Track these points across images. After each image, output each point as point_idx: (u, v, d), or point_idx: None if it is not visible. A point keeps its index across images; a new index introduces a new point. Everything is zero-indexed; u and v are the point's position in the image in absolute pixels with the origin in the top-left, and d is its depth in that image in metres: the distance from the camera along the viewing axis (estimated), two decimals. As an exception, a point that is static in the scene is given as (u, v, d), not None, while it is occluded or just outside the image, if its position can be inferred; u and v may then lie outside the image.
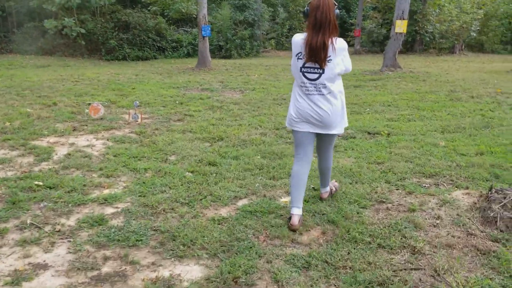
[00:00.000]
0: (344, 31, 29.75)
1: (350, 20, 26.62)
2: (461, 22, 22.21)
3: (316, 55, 2.91)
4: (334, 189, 3.67)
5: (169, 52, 20.69)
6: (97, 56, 19.63)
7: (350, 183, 3.96)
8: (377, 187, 3.82)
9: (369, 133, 5.98)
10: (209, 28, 14.39)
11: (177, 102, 8.43)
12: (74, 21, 17.00)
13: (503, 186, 3.57)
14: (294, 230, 3.05)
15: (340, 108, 3.10)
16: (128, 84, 10.65)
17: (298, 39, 3.04)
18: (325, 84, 3.00)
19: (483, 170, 4.19)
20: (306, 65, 3.00)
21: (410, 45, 23.77)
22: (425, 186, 3.80)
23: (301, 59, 3.02)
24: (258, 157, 4.87)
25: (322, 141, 3.34)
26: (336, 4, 3.00)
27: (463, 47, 23.06)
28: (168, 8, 16.21)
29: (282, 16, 25.13)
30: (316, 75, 2.99)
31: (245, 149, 5.19)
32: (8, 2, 19.48)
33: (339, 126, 3.17)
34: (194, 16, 16.54)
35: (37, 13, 19.59)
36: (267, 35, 24.45)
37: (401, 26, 12.85)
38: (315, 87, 3.02)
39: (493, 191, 3.12)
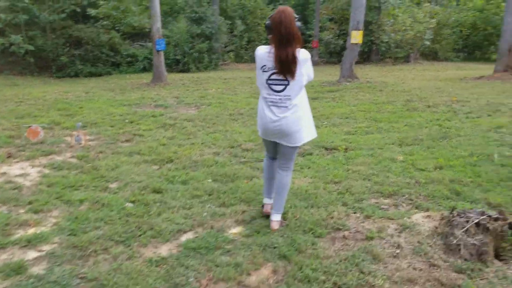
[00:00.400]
0: (302, 43, 29.86)
1: (308, 32, 26.77)
2: (414, 31, 22.68)
3: (287, 69, 3.00)
4: (283, 225, 3.37)
5: (124, 67, 20.08)
6: (48, 74, 18.80)
7: (306, 207, 3.67)
8: (333, 211, 3.54)
9: (326, 148, 5.74)
10: (164, 42, 13.99)
11: (126, 121, 7.98)
12: (21, 37, 16.20)
13: (465, 207, 3.37)
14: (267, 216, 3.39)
15: (303, 120, 3.17)
16: (76, 103, 10.09)
17: (263, 52, 3.10)
18: (289, 96, 3.07)
19: (443, 187, 4.00)
20: (271, 77, 3.07)
21: (367, 55, 24.08)
22: (383, 208, 3.56)
23: (266, 71, 3.09)
24: (209, 180, 4.52)
25: (282, 151, 3.33)
26: (297, 16, 3.08)
27: (417, 56, 23.53)
28: (120, 23, 15.69)
29: (240, 28, 24.97)
30: (282, 87, 3.07)
31: (195, 172, 4.84)
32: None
33: (301, 138, 3.21)
34: (148, 30, 16.07)
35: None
36: (226, 48, 24.20)
37: (356, 37, 12.86)
38: (280, 99, 3.09)
39: (455, 214, 2.90)
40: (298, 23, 3.07)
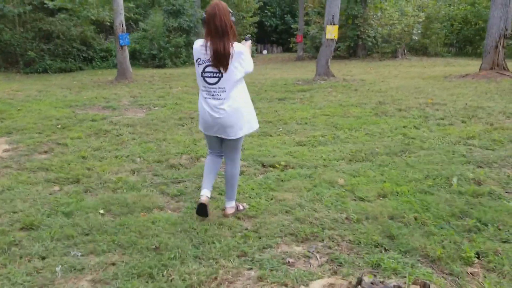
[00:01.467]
0: (289, 36, 29.11)
1: (292, 26, 25.87)
2: (402, 25, 21.80)
3: (221, 61, 3.04)
4: (241, 208, 3.60)
5: (97, 63, 19.18)
6: (15, 69, 17.87)
7: (194, 257, 2.84)
8: (222, 266, 2.70)
9: (263, 165, 4.90)
10: (127, 37, 13.08)
11: (59, 126, 7.13)
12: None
13: (390, 265, 2.54)
14: (204, 206, 3.33)
15: (240, 113, 3.21)
16: (18, 103, 9.22)
17: (198, 45, 3.16)
18: (224, 88, 3.13)
19: (377, 228, 3.16)
20: (206, 69, 3.13)
21: (353, 50, 23.22)
22: (288, 263, 2.72)
23: (200, 64, 3.15)
24: (101, 211, 3.68)
25: (225, 145, 3.44)
26: (231, 11, 3.15)
27: (405, 51, 22.64)
28: (77, 16, 14.76)
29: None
30: (216, 79, 3.12)
31: (91, 198, 4.00)
32: None
33: (240, 130, 3.27)
34: (108, 23, 15.15)
35: None
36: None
37: (332, 32, 12.00)
38: (214, 91, 3.15)
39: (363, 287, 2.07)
40: (232, 18, 3.12)
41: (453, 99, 8.82)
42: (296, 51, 23.67)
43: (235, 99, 3.17)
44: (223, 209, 3.57)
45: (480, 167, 4.63)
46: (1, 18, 17.30)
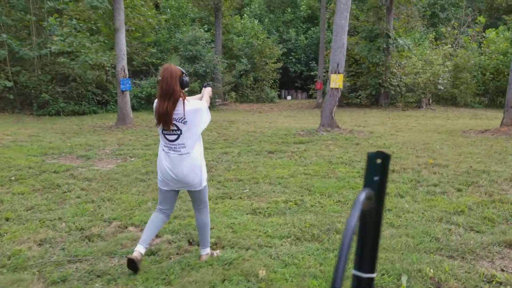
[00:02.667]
0: (313, 83, 28.67)
1: (312, 73, 25.42)
2: (428, 74, 20.88)
3: (163, 120, 3.25)
4: (215, 255, 3.66)
5: (112, 106, 19.10)
6: (29, 111, 18.01)
7: None
8: None
9: (190, 242, 4.13)
10: (129, 82, 12.83)
11: (12, 178, 6.62)
12: (-3, 73, 15.47)
13: None
14: (132, 262, 3.31)
15: (198, 168, 3.41)
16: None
17: (154, 105, 3.37)
18: (183, 144, 3.32)
19: None
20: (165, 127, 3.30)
21: (375, 99, 22.35)
22: None
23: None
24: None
25: (190, 196, 3.60)
26: (184, 72, 3.38)
27: (430, 101, 21.57)
28: (75, 60, 14.77)
29: (239, 67, 23.80)
30: (175, 136, 3.31)
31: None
32: None
33: (200, 183, 3.45)
34: (107, 68, 15.02)
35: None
36: (224, 87, 23.03)
37: (336, 81, 11.30)
38: (175, 147, 3.33)
39: None
40: (186, 78, 3.38)
41: (458, 160, 7.82)
42: (315, 98, 23.03)
43: (194, 155, 3.35)
44: (199, 256, 3.65)
45: (451, 257, 3.68)
46: (19, 60, 17.65)
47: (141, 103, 19.74)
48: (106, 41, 13.15)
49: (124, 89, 12.70)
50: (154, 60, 23.01)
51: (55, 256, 3.83)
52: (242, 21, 28.84)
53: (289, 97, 31.63)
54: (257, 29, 28.51)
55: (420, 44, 26.17)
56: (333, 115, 11.64)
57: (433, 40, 26.75)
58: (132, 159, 8.32)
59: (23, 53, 16.08)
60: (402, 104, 21.84)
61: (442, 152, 8.65)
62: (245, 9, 33.22)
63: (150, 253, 3.84)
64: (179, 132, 3.29)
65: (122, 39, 12.39)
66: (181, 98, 3.30)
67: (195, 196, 3.56)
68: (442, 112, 19.88)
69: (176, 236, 4.25)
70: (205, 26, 25.68)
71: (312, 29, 32.57)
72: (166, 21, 28.15)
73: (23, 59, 17.49)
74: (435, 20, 32.23)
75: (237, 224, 4.55)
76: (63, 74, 18.36)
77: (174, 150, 3.34)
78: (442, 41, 26.56)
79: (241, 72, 25.64)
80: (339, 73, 11.32)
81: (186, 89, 3.44)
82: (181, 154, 3.33)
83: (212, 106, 21.01)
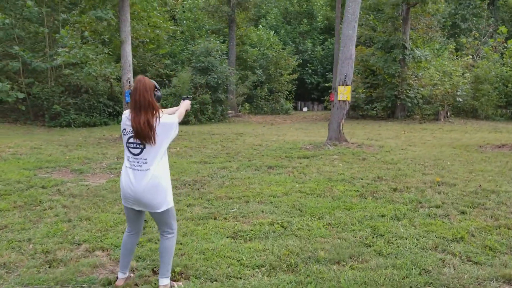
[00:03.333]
0: (327, 95, 28.24)
1: (327, 84, 25.00)
2: (446, 86, 20.23)
3: (143, 134, 3.08)
4: (176, 287, 3.44)
5: (123, 118, 19.06)
6: (40, 122, 18.10)
7: None
8: None
9: (154, 270, 3.80)
10: (134, 94, 12.66)
11: (-3, 193, 6.44)
12: (9, 85, 15.56)
13: None
14: None
15: (160, 187, 3.19)
16: (-10, 162, 8.77)
17: (124, 116, 3.25)
18: (146, 160, 3.15)
19: None
20: (129, 140, 3.18)
21: (391, 111, 21.77)
22: None
23: (125, 135, 3.20)
24: None
25: (153, 218, 3.39)
26: (157, 87, 3.27)
27: (448, 113, 20.87)
28: (79, 72, 14.73)
29: (252, 79, 23.56)
30: (138, 150, 3.17)
31: None
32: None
33: (161, 205, 3.23)
34: (112, 79, 14.91)
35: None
36: (237, 98, 22.81)
37: (344, 93, 10.90)
38: (137, 162, 3.17)
39: None
40: (158, 93, 3.26)
41: (467, 178, 7.31)
42: (330, 110, 22.57)
43: (154, 173, 3.16)
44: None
45: (440, 296, 3.25)
46: (33, 72, 17.80)
47: (153, 115, 19.63)
48: (110, 52, 13.05)
49: (129, 101, 12.52)
50: (168, 72, 23.00)
51: (6, 284, 3.55)
52: (257, 32, 28.68)
53: (305, 109, 31.24)
54: (272, 40, 28.32)
55: (439, 55, 25.51)
56: (341, 128, 11.23)
57: (453, 51, 26.04)
58: (126, 173, 8.07)
59: (35, 65, 16.18)
60: (419, 117, 21.21)
61: (452, 169, 8.14)
62: (261, 20, 33.08)
63: (107, 282, 3.54)
64: (142, 146, 3.15)
65: (128, 50, 12.28)
66: (157, 111, 3.17)
67: (156, 218, 3.37)
68: (460, 125, 19.17)
69: (141, 263, 3.93)
70: (220, 38, 25.64)
71: (329, 40, 32.19)
72: (182, 33, 28.24)
73: (37, 71, 17.63)
74: (456, 31, 31.48)
75: (211, 250, 4.20)
76: (75, 85, 18.45)
77: (136, 165, 3.18)
78: (463, 52, 25.84)
79: (256, 83, 25.41)
80: (347, 85, 10.92)
81: (157, 104, 3.24)
82: (141, 170, 3.16)
83: (224, 118, 20.81)
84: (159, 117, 3.14)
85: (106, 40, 14.64)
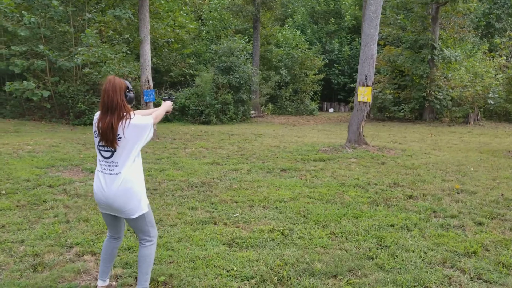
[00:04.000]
0: (129, 112, 27.83)
1: (353, 85, 24.46)
2: (477, 88, 19.44)
3: (106, 137, 2.96)
4: None
5: (146, 117, 19.13)
6: (66, 121, 18.35)
7: None
8: None
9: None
10: (153, 93, 12.65)
11: (2, 192, 6.42)
12: (34, 84, 15.82)
13: None
14: None
15: (131, 193, 3.03)
16: (6, 159, 8.83)
17: (95, 117, 3.08)
18: (117, 163, 3.01)
19: None
20: (100, 143, 3.03)
21: (419, 113, 21.08)
22: None
23: (96, 137, 3.05)
24: None
25: (130, 225, 3.21)
26: (130, 88, 3.10)
27: (478, 116, 20.04)
28: (97, 71, 14.78)
29: (275, 79, 23.28)
30: (109, 153, 3.02)
31: None
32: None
33: (133, 211, 3.07)
34: (131, 78, 14.82)
35: (18, 74, 18.73)
36: (260, 99, 22.59)
37: (364, 94, 10.53)
38: (108, 165, 3.03)
39: None
40: (130, 94, 3.10)
41: (490, 186, 6.87)
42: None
43: (126, 177, 3.02)
44: None
45: (440, 320, 2.95)
46: (59, 71, 18.06)
47: (175, 114, 19.65)
48: (128, 51, 13.04)
49: (147, 100, 12.53)
50: (192, 71, 23.01)
51: (-17, 288, 3.45)
52: (283, 32, 28.39)
53: (331, 110, 30.74)
54: (298, 40, 27.97)
55: (471, 56, 24.61)
56: (360, 131, 10.85)
57: (487, 51, 25.06)
58: (136, 174, 7.97)
59: (60, 64, 16.39)
60: (448, 119, 20.47)
61: (475, 176, 7.69)
62: (288, 20, 32.76)
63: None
64: (112, 149, 3.01)
65: (147, 49, 12.25)
66: (127, 113, 3.00)
67: (132, 225, 3.20)
68: (491, 129, 18.37)
69: (127, 271, 3.77)
70: (245, 37, 25.49)
71: (357, 39, 31.57)
72: (207, 32, 28.25)
73: (62, 70, 17.89)
74: (490, 31, 30.33)
75: (202, 258, 4.00)
76: (100, 84, 18.61)
77: (107, 168, 3.04)
78: (496, 53, 24.83)
79: (280, 84, 25.14)
80: (367, 85, 10.54)
81: (130, 105, 3.08)
82: (112, 174, 3.02)
83: (246, 118, 20.63)
84: (130, 119, 2.97)
85: (130, 39, 14.71)
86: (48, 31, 16.79)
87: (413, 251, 4.18)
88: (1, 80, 19.57)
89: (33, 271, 3.79)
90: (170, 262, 3.90)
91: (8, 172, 7.69)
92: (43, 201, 6.02)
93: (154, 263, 3.92)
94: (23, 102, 18.80)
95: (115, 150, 3.00)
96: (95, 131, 3.05)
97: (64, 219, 5.24)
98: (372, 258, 4.03)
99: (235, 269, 3.78)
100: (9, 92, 16.48)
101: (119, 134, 2.97)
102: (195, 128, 16.58)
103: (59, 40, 18.60)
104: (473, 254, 4.08)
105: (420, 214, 5.44)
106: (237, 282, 3.54)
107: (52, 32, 17.45)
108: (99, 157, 3.10)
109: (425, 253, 4.15)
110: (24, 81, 15.69)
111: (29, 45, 16.56)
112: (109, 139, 2.95)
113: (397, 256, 4.07)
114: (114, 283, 3.50)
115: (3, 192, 6.42)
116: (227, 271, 3.74)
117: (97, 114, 3.07)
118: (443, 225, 4.99)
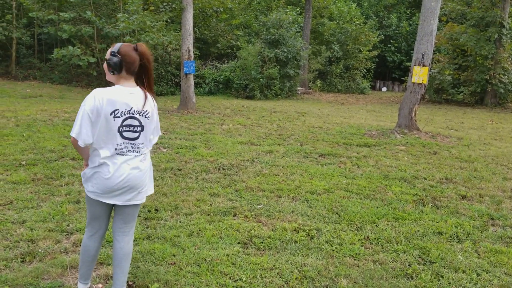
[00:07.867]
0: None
1: (408, 63, 22.88)
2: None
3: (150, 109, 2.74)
4: None
5: (190, 88, 18.78)
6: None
7: None
8: None
9: (130, 285, 3.14)
10: (193, 65, 12.14)
11: (23, 163, 6.18)
12: (79, 49, 15.74)
13: None
14: None
15: (151, 171, 2.89)
16: (39, 127, 8.66)
17: (112, 95, 2.54)
18: (143, 144, 2.74)
19: None
20: (125, 123, 2.61)
21: (480, 97, 19.45)
22: None
23: (118, 117, 2.58)
24: None
25: (124, 215, 2.79)
26: (113, 51, 2.60)
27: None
28: (137, 39, 14.33)
29: (325, 54, 22.18)
30: (137, 134, 2.68)
31: None
32: (42, 29, 18.88)
33: (149, 191, 2.85)
34: (170, 48, 14.23)
35: (67, 40, 18.80)
36: (308, 74, 21.62)
37: (420, 75, 9.50)
38: (132, 147, 2.67)
39: None
40: (115, 59, 2.61)
41: (562, 190, 5.87)
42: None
43: (148, 156, 2.83)
44: None
45: None
46: (106, 38, 17.94)
47: (219, 87, 19.16)
48: (170, 20, 12.53)
49: (187, 72, 12.05)
50: (239, 44, 22.34)
51: (-39, 279, 3.07)
52: (338, 4, 26.98)
53: (384, 89, 29.23)
54: (353, 13, 26.51)
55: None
56: (413, 115, 9.87)
57: None
58: (165, 150, 7.55)
59: (106, 31, 16.21)
60: (512, 105, 18.77)
61: (543, 175, 6.67)
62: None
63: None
64: (141, 129, 2.69)
65: (189, 19, 11.69)
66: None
67: (131, 212, 2.81)
68: None
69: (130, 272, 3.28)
70: (297, 9, 24.40)
71: (417, 15, 29.52)
72: (259, 3, 27.35)
73: (109, 37, 17.76)
74: None
75: (208, 262, 3.45)
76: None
77: (130, 151, 2.66)
78: None
79: (331, 59, 24.01)
80: (423, 65, 9.49)
81: (115, 72, 2.61)
82: (137, 155, 2.71)
83: (292, 94, 19.87)
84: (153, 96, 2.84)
85: (175, 7, 14.16)
86: (96, -3, 16.62)
87: (463, 272, 3.45)
88: (52, 45, 19.80)
89: (21, 261, 3.39)
90: (171, 264, 3.39)
91: (36, 141, 7.48)
92: (61, 175, 5.70)
93: (154, 262, 3.43)
94: (71, 68, 18.95)
95: (142, 130, 2.68)
96: (116, 110, 2.56)
97: (75, 199, 4.87)
98: (412, 277, 3.34)
99: (243, 279, 3.21)
100: (58, 58, 16.57)
101: (147, 111, 2.72)
102: (237, 103, 16.01)
103: (108, 7, 18.43)
104: (540, 283, 3.30)
105: (474, 220, 4.63)
106: (242, 297, 2.98)
107: (100, -1, 17.28)
108: (116, 142, 2.61)
109: (478, 275, 3.41)
110: (70, 47, 15.65)
111: (77, 11, 16.47)
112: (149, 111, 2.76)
113: (442, 277, 3.35)
114: (100, 285, 3.03)
115: (24, 163, 6.16)
116: (234, 281, 3.18)
117: (110, 91, 2.56)
118: (502, 238, 4.18)
